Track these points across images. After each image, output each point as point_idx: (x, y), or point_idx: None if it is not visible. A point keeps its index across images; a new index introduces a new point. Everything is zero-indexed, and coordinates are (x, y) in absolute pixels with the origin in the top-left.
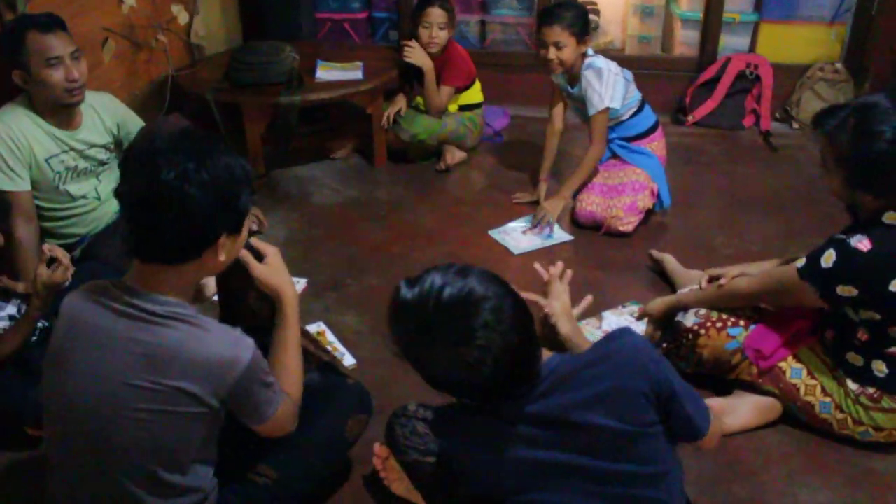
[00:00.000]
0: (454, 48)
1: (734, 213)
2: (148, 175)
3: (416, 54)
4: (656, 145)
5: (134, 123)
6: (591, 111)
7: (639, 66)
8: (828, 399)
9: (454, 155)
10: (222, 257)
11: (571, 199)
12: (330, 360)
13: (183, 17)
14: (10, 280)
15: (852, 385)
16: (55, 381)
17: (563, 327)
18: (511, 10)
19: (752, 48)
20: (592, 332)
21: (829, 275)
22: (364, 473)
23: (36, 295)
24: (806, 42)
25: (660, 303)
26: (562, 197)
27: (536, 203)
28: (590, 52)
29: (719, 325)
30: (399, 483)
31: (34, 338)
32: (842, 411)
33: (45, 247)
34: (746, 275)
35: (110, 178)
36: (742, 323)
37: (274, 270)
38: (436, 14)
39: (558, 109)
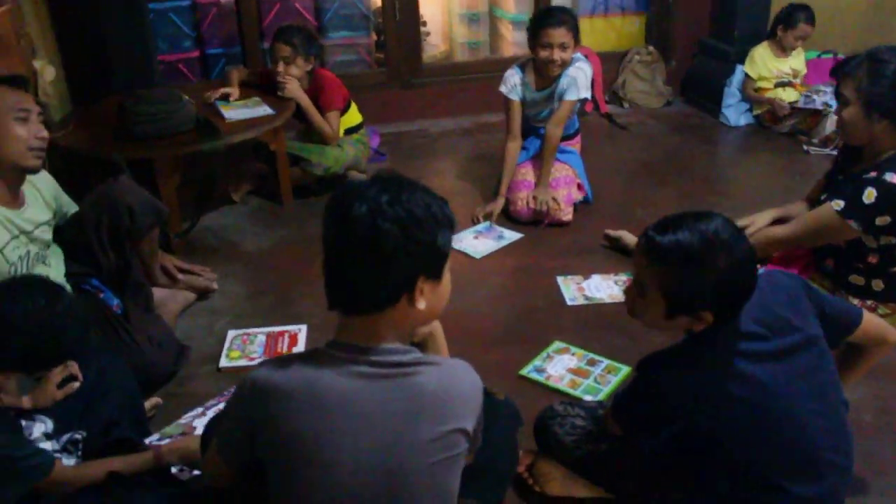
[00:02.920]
0: (322, 74)
1: (634, 187)
2: (341, 212)
3: (290, 88)
4: (578, 145)
5: (65, 199)
6: (572, 96)
7: (473, 70)
8: None
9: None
10: (422, 305)
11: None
12: None
13: (49, 73)
14: None
15: (854, 300)
16: (308, 475)
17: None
18: (348, 31)
19: None
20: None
21: (872, 209)
22: None
23: None
24: (617, 31)
25: None
26: (546, 184)
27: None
28: None
29: None
30: (554, 483)
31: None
32: None
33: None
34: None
35: (58, 262)
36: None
37: None
38: (280, 48)
39: (518, 125)
